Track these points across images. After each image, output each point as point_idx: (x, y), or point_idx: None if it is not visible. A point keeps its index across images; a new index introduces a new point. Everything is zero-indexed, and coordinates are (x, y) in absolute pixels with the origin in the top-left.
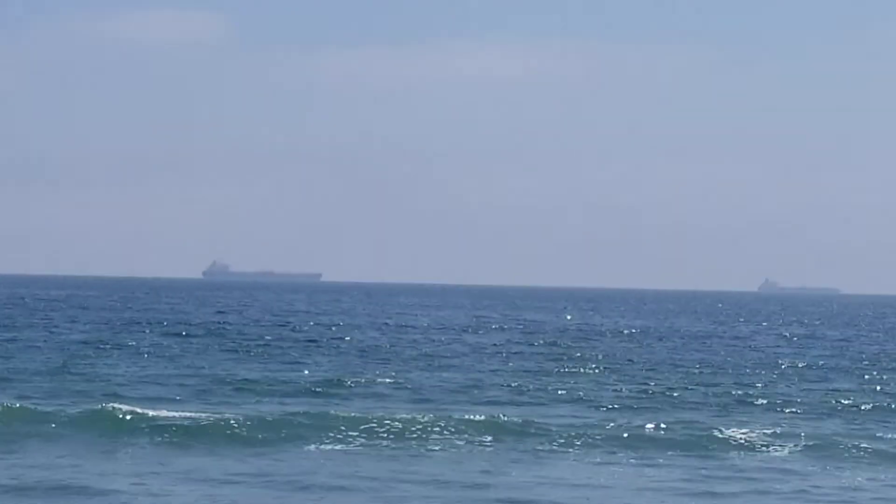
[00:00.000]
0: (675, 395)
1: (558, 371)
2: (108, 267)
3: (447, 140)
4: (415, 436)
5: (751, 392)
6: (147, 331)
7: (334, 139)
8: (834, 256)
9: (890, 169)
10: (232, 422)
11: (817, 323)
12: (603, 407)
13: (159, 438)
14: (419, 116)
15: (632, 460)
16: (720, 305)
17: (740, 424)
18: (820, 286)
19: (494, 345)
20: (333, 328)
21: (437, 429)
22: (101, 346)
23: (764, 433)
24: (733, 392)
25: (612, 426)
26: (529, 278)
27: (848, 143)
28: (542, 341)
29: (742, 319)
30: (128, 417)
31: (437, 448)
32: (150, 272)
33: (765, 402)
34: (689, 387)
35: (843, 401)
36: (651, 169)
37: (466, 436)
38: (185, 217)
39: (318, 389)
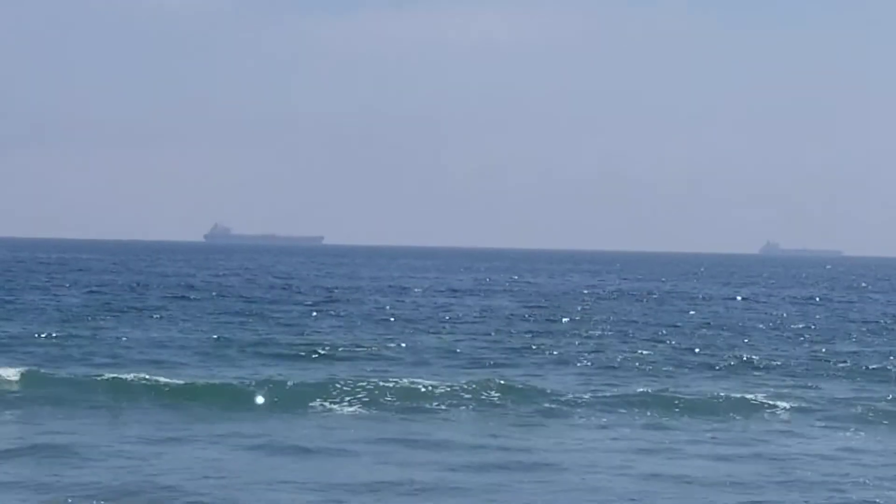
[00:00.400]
0: (682, 357)
1: (561, 333)
2: (109, 230)
3: (447, 105)
4: (420, 400)
5: (755, 354)
6: (151, 294)
7: (335, 104)
8: (836, 219)
9: (893, 131)
10: (236, 385)
11: (822, 286)
12: (609, 369)
13: (163, 402)
14: (419, 81)
15: (637, 422)
16: (719, 268)
17: (746, 387)
18: (822, 248)
19: (504, 308)
20: (336, 290)
21: (443, 392)
22: (106, 310)
23: (769, 394)
24: (738, 354)
25: (616, 389)
26: (529, 241)
27: (852, 106)
28: (543, 303)
29: (745, 282)
30: (132, 381)
31: (441, 412)
32: (151, 235)
33: (771, 363)
34: (695, 349)
35: (845, 362)
36: (651, 133)
37: (472, 399)
38: (186, 180)
39: (322, 353)
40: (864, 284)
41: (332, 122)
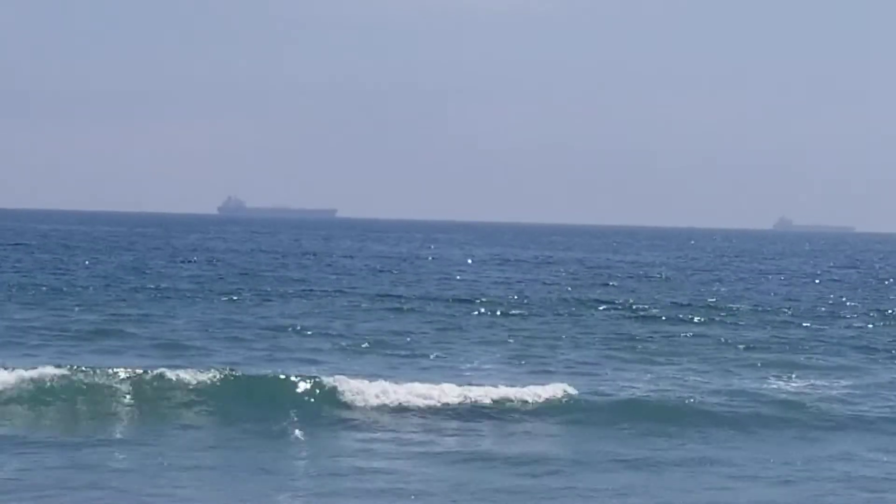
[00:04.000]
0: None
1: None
2: (122, 203)
3: (464, 76)
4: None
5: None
6: (179, 270)
7: (350, 75)
8: (849, 194)
9: None
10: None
11: (839, 261)
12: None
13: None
14: (435, 51)
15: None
16: (730, 243)
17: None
18: (835, 224)
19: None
20: (381, 272)
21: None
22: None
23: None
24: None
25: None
26: (541, 216)
27: (867, 79)
28: (564, 274)
29: (764, 258)
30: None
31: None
32: (165, 207)
33: (812, 343)
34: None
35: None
36: (663, 105)
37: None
38: (199, 152)
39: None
40: None
41: (347, 93)
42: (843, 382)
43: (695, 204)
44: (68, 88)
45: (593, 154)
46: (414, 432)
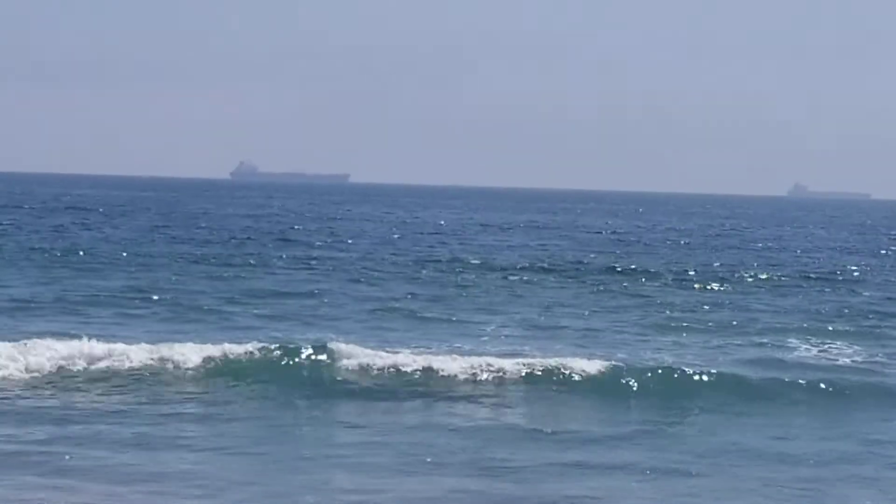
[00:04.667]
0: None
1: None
2: (134, 167)
3: (476, 39)
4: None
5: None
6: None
7: (362, 39)
8: (865, 161)
9: None
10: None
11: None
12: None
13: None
14: (448, 14)
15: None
16: (751, 211)
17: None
18: (850, 191)
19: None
20: (424, 240)
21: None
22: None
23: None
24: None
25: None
26: (554, 181)
27: (883, 45)
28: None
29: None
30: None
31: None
32: (177, 172)
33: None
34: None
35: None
36: (678, 72)
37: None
38: (212, 117)
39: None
40: None
41: (360, 58)
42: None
43: (709, 170)
44: (82, 56)
45: (608, 120)
46: (481, 403)
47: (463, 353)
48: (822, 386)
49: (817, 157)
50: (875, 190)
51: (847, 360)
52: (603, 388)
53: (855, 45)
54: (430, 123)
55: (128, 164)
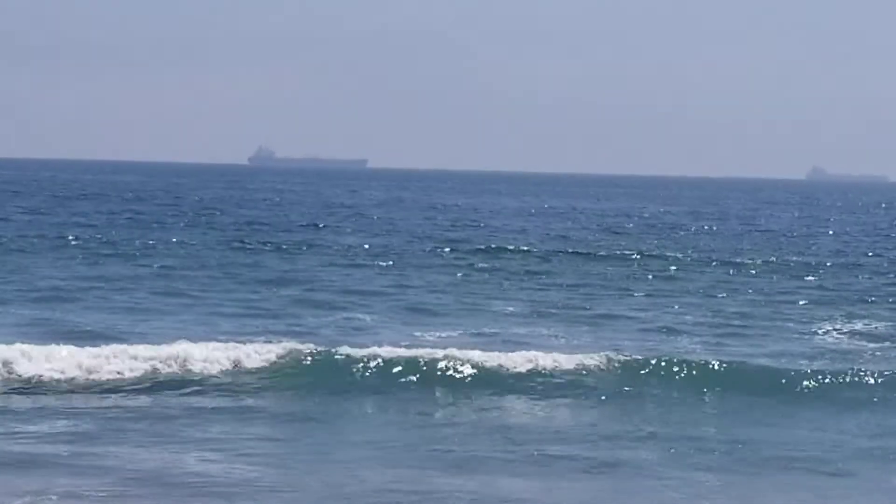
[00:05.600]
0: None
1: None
2: (152, 153)
3: (493, 25)
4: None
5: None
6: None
7: (380, 23)
8: (883, 143)
9: None
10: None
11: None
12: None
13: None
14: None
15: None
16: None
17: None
18: (868, 174)
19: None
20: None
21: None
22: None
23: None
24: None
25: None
26: (570, 165)
27: None
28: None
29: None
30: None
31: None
32: (195, 158)
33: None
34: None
35: None
36: (695, 54)
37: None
38: (230, 103)
39: None
40: None
41: (379, 44)
42: None
43: (727, 154)
44: (101, 39)
45: (626, 106)
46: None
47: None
48: None
49: (835, 140)
50: (892, 172)
51: None
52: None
53: (871, 31)
54: (449, 108)
55: (145, 149)
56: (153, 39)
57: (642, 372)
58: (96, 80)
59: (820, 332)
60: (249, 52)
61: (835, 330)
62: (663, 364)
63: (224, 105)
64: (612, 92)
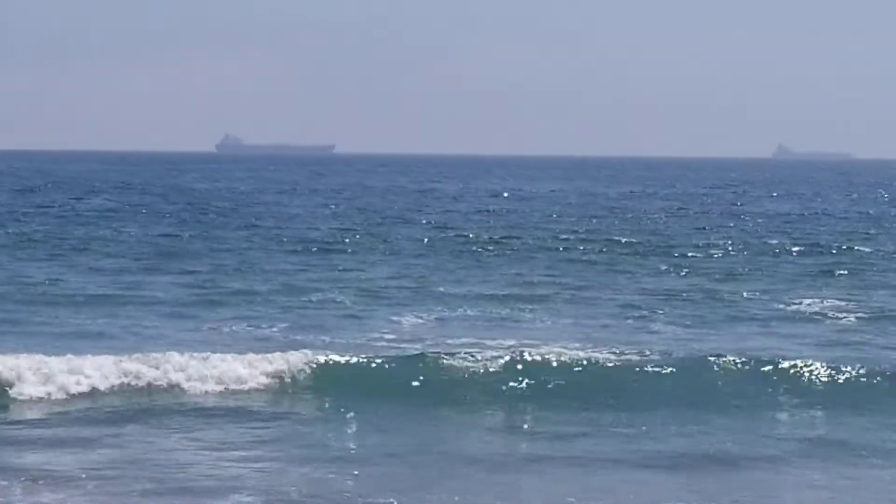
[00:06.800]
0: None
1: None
2: (117, 142)
3: (464, 11)
4: None
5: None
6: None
7: (345, 10)
8: (847, 120)
9: None
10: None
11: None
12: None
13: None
14: None
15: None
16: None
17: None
18: (833, 151)
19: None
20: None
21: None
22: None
23: (832, 303)
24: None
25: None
26: (531, 147)
27: (865, 6)
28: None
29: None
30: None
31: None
32: (161, 146)
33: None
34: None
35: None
36: (658, 34)
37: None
38: (196, 91)
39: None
40: None
41: (344, 30)
42: None
43: (693, 134)
44: (63, 28)
45: (591, 90)
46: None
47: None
48: None
49: (800, 118)
50: (857, 150)
51: None
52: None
53: (836, 4)
54: (413, 94)
55: (110, 138)
56: (116, 29)
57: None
58: (58, 68)
59: None
60: (215, 40)
61: None
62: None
63: (190, 93)
64: (573, 76)
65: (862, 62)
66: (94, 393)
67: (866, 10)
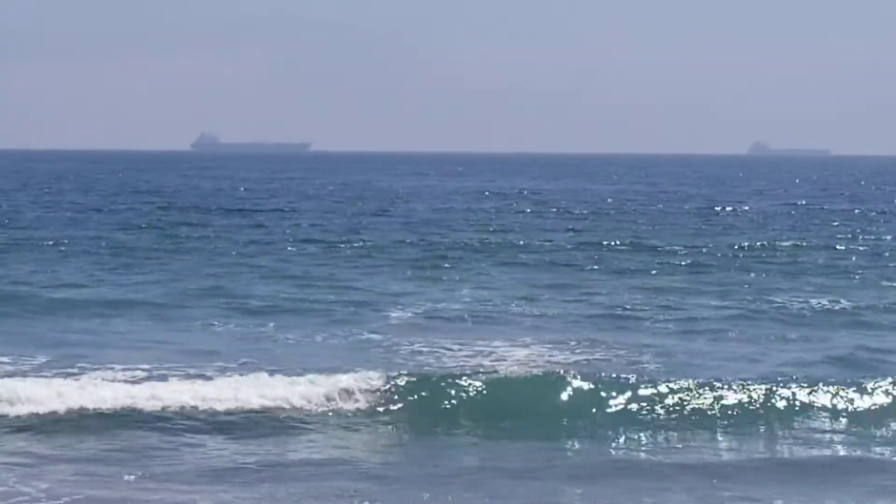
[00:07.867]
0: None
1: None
2: (93, 141)
3: (442, 8)
4: None
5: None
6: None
7: (322, 8)
8: (825, 117)
9: (884, 29)
10: None
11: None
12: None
13: None
14: None
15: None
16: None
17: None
18: (810, 148)
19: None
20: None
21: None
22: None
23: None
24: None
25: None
26: (513, 145)
27: (844, 4)
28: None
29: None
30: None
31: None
32: (137, 145)
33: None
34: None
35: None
36: (635, 35)
37: None
38: (172, 89)
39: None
40: None
41: (319, 29)
42: None
43: (669, 131)
44: (38, 27)
45: (570, 89)
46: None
47: None
48: None
49: (777, 115)
50: (835, 146)
51: None
52: None
53: (812, 6)
54: (388, 92)
55: (85, 137)
56: (91, 27)
57: None
58: (29, 67)
59: None
60: (191, 38)
61: None
62: None
63: (165, 91)
64: (552, 76)
65: (840, 60)
66: None
67: (845, 8)
